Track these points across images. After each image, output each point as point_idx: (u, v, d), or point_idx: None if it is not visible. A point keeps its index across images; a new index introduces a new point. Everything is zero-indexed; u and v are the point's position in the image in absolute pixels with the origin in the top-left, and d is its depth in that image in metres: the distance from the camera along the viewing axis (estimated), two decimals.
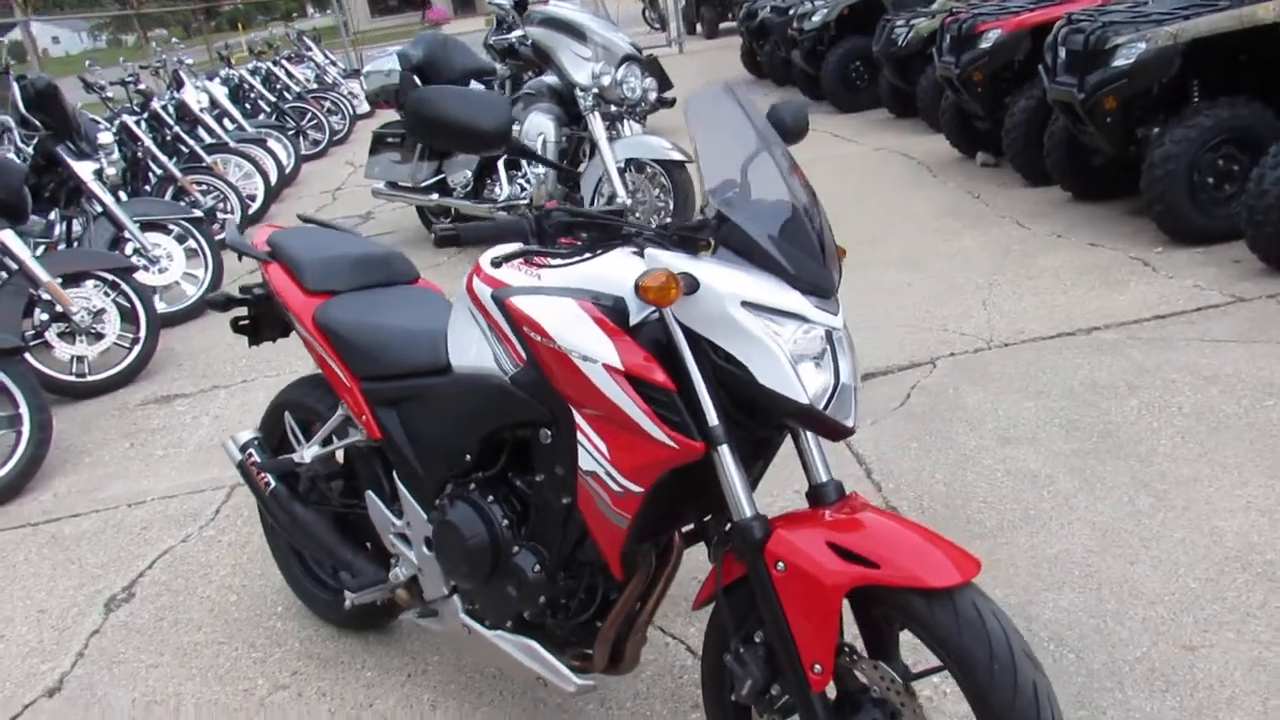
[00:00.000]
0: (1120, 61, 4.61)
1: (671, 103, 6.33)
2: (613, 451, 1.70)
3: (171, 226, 5.88)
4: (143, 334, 5.00)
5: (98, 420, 4.59)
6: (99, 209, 5.58)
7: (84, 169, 5.51)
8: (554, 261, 1.75)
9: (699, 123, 1.71)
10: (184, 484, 3.75)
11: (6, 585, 3.23)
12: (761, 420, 1.69)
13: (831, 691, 1.70)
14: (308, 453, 2.40)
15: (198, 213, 6.09)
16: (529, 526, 1.99)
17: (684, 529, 1.96)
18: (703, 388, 1.64)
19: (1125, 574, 2.53)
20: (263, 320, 2.61)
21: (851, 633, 1.67)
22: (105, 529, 3.51)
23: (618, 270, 1.71)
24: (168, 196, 7.23)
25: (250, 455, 2.51)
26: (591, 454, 1.73)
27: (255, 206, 8.29)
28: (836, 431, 1.65)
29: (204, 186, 7.59)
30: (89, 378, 4.87)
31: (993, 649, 1.48)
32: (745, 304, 1.59)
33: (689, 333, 1.64)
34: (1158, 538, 2.66)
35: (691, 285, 1.60)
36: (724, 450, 1.65)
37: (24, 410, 3.89)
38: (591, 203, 5.49)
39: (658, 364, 1.65)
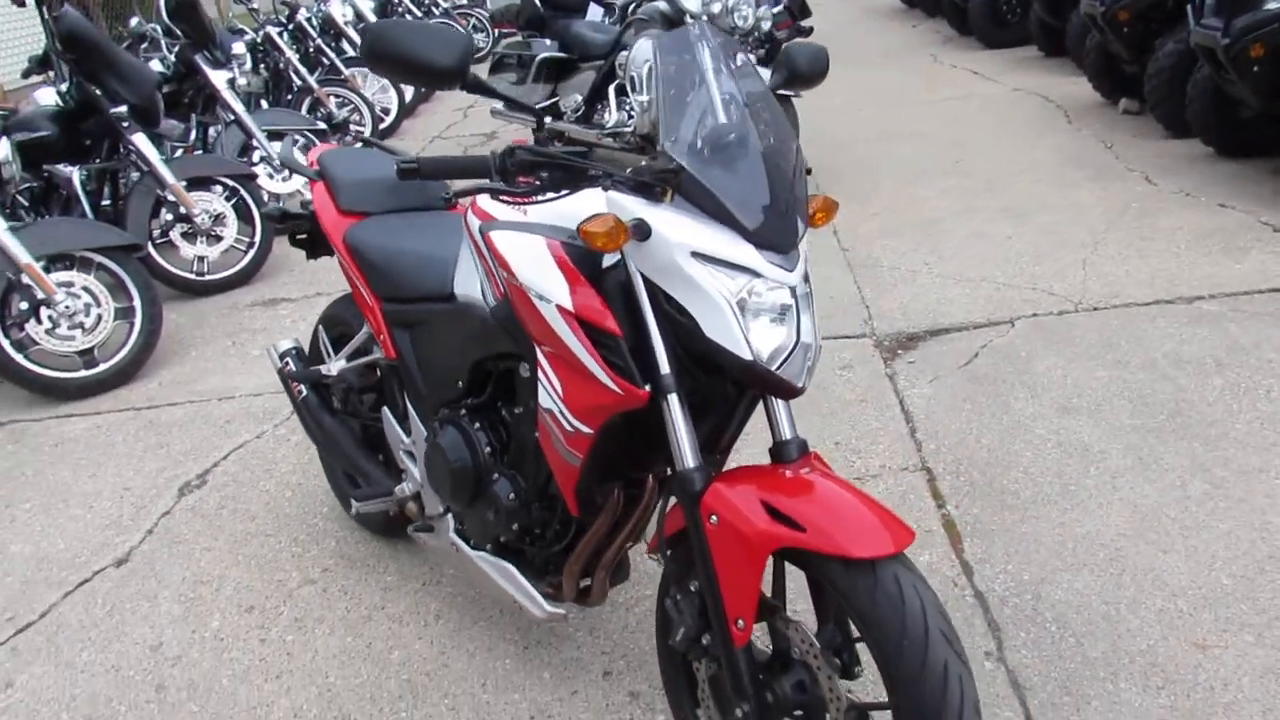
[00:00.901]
0: (1272, 4, 4.17)
1: (809, 31, 6.12)
2: (566, 391, 1.73)
3: (298, 136, 6.15)
4: (258, 239, 5.30)
5: (208, 317, 4.92)
6: (231, 117, 5.90)
7: (218, 78, 5.81)
8: (539, 199, 1.77)
9: (666, 64, 1.66)
10: (269, 383, 3.99)
11: (104, 462, 3.55)
12: (715, 374, 1.68)
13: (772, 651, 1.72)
14: (334, 366, 2.52)
15: (322, 125, 6.34)
16: (510, 455, 2.05)
17: (660, 474, 1.97)
18: (656, 337, 1.63)
19: (1153, 562, 2.40)
20: (315, 237, 2.73)
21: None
22: (195, 419, 3.79)
23: (587, 211, 1.71)
24: (304, 108, 7.57)
25: (287, 364, 2.66)
26: (548, 391, 1.76)
27: (388, 121, 8.57)
28: (784, 391, 1.62)
29: (340, 99, 7.89)
30: (207, 277, 5.22)
31: (905, 624, 1.45)
32: (695, 254, 1.57)
33: (649, 282, 1.64)
34: (1201, 527, 2.50)
35: (644, 232, 1.59)
36: (672, 399, 1.64)
37: (137, 304, 4.22)
38: None
39: (608, 309, 1.65)
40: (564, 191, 1.73)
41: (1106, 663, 2.13)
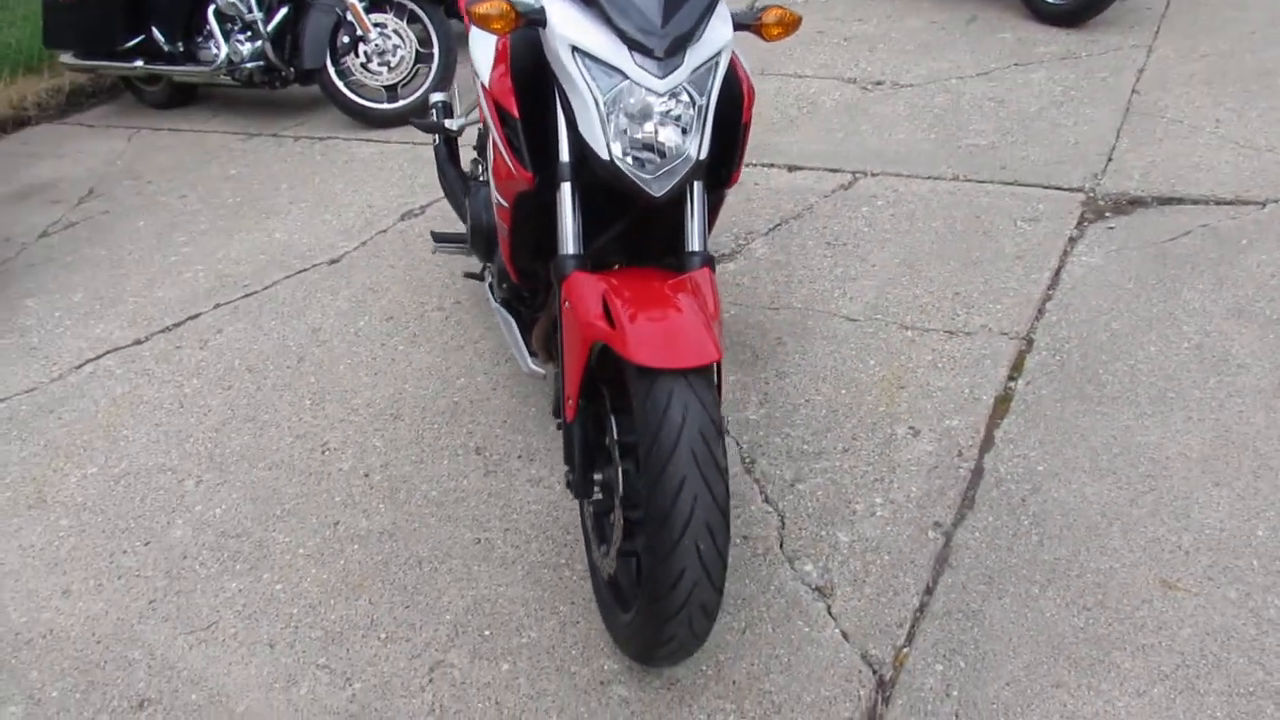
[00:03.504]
0: None
1: None
2: (491, 165, 1.90)
3: None
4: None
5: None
6: None
7: None
8: None
9: None
10: None
11: (369, 182, 4.23)
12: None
13: None
14: (456, 122, 2.83)
15: None
16: None
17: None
18: (558, 124, 1.73)
19: (1194, 492, 2.12)
20: None
21: None
22: None
23: None
24: None
25: (432, 113, 3.01)
26: (484, 164, 1.93)
27: None
28: (640, 196, 1.66)
29: None
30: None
31: (659, 434, 1.52)
32: (575, 49, 1.62)
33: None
34: (1274, 469, 2.12)
35: (538, 20, 1.66)
36: (564, 188, 1.75)
37: (436, 51, 4.76)
38: None
39: (511, 91, 1.76)
40: None
41: (1051, 569, 1.99)
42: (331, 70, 4.75)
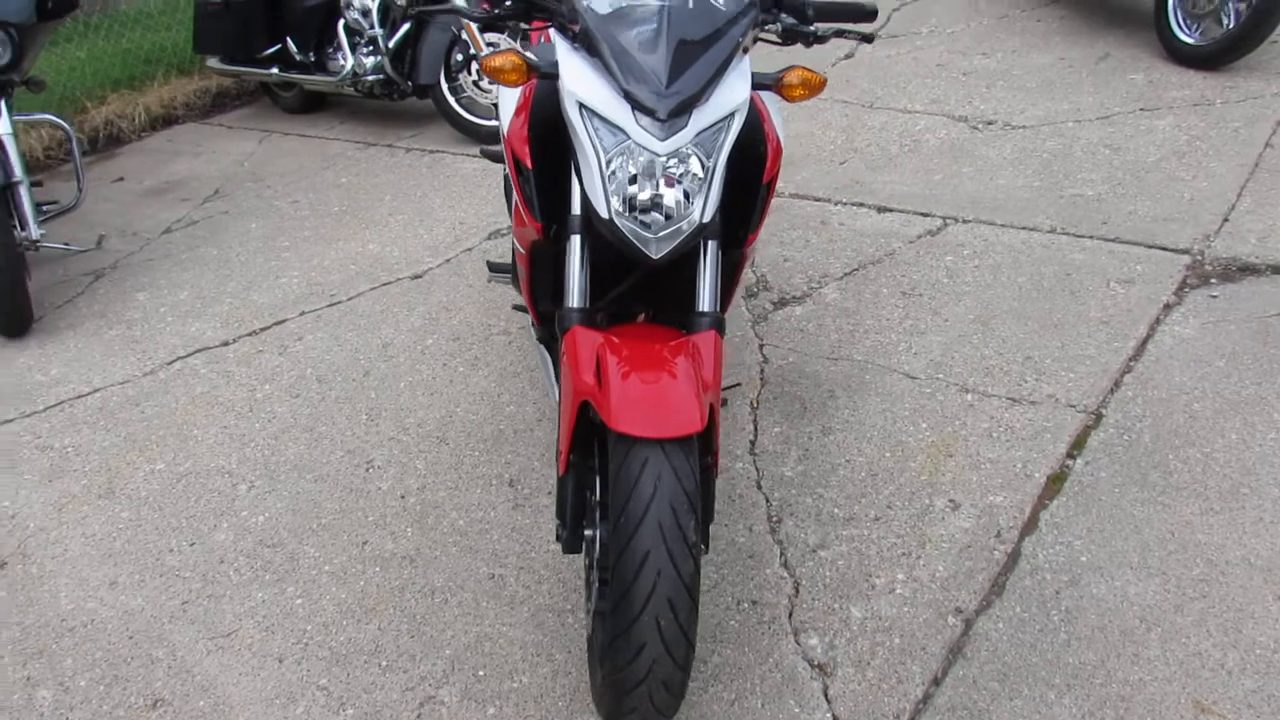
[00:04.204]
0: None
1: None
2: (513, 211, 1.90)
3: None
4: None
5: None
6: None
7: None
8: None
9: None
10: None
11: (465, 198, 4.33)
12: None
13: None
14: None
15: None
16: None
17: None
18: (572, 176, 1.72)
19: (1255, 606, 1.93)
20: None
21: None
22: None
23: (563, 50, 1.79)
24: None
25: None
26: (508, 212, 1.94)
27: None
28: (638, 256, 1.63)
29: None
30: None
31: (629, 504, 1.50)
32: (582, 105, 1.61)
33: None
34: None
35: (552, 74, 1.66)
36: (573, 240, 1.74)
37: None
38: None
39: (527, 141, 1.76)
40: (523, 25, 1.83)
41: (1074, 673, 1.85)
42: (445, 86, 4.90)
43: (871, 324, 2.98)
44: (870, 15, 1.88)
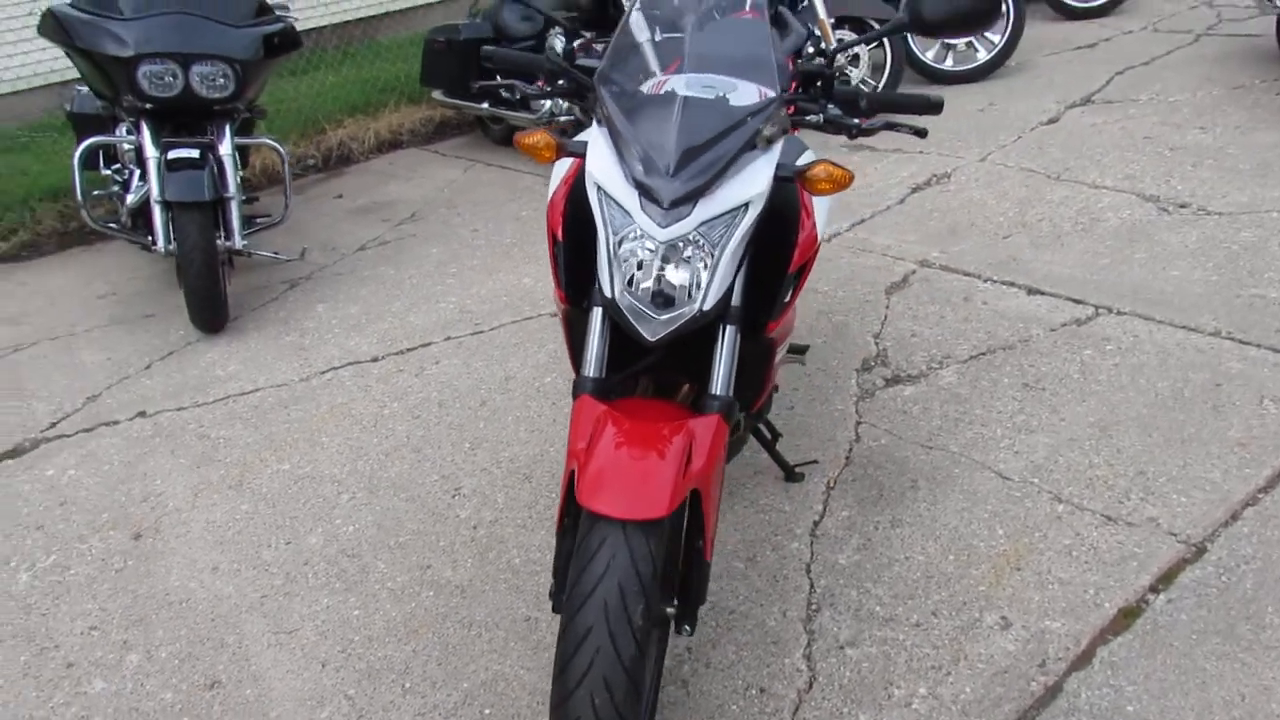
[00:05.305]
0: None
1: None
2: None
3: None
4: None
5: None
6: None
7: None
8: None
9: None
10: None
11: None
12: None
13: None
14: None
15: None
16: None
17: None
18: (598, 248, 1.78)
19: None
20: None
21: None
22: None
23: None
24: None
25: None
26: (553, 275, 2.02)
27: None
28: (638, 337, 1.66)
29: None
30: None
31: (581, 578, 1.53)
32: (598, 186, 1.67)
33: None
34: None
35: (579, 153, 1.73)
36: (596, 312, 1.80)
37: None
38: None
39: (560, 214, 1.83)
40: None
41: None
42: None
43: (980, 414, 2.83)
44: (936, 109, 1.82)
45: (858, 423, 2.87)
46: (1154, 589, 2.16)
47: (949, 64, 5.95)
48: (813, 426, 2.86)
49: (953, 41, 5.90)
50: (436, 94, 6.25)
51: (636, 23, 1.82)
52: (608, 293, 1.68)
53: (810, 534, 2.46)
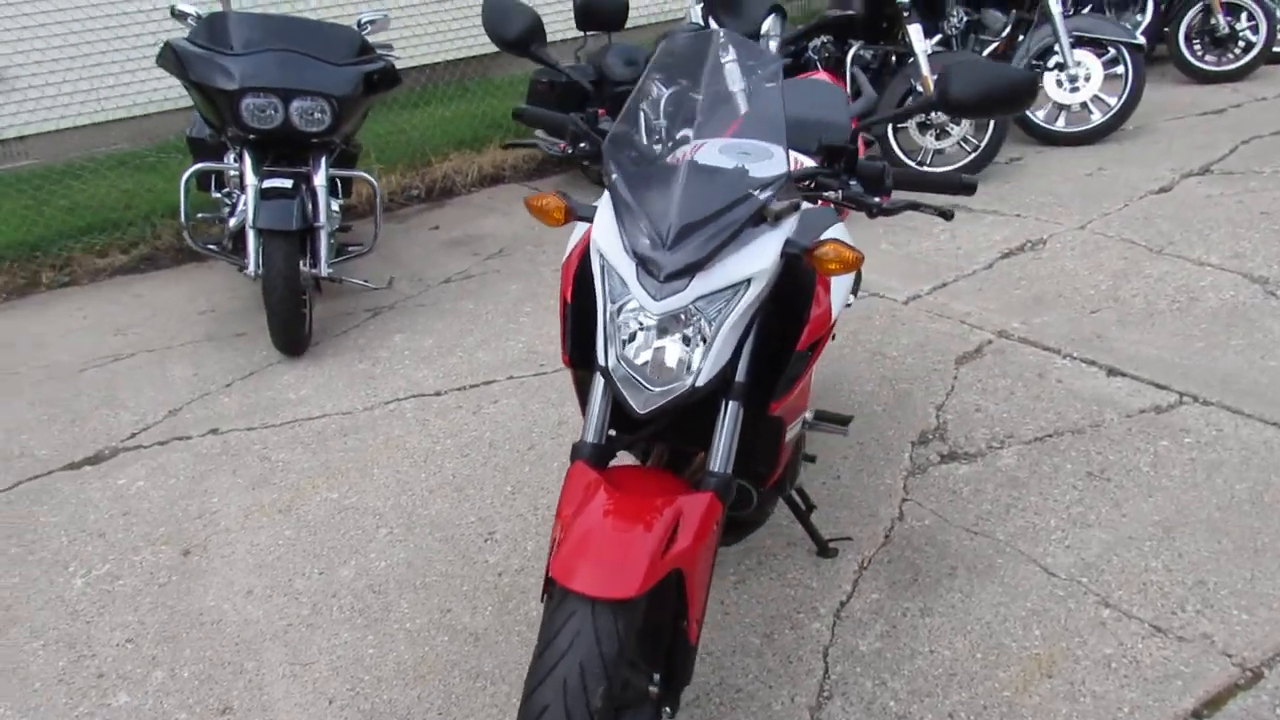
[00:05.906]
0: None
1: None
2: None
3: (1108, 49, 5.76)
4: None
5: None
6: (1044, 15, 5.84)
7: None
8: None
9: (665, 60, 1.64)
10: None
11: None
12: None
13: None
14: None
15: (1140, 39, 5.76)
16: None
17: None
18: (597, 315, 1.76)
19: None
20: None
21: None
22: None
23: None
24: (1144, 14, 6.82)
25: None
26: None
27: None
28: (630, 408, 1.63)
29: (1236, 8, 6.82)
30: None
31: (544, 653, 1.50)
32: (600, 254, 1.65)
33: None
34: None
35: (588, 218, 1.71)
36: (598, 377, 1.78)
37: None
38: None
39: (570, 278, 1.81)
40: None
41: None
42: None
43: (1035, 501, 2.67)
44: (968, 190, 1.74)
45: (904, 500, 2.75)
46: (1197, 714, 1.99)
47: (1060, 124, 5.73)
48: (856, 499, 2.76)
49: (1065, 102, 5.69)
50: (539, 132, 6.38)
51: (655, 82, 1.80)
52: (603, 361, 1.65)
53: (834, 615, 2.36)
